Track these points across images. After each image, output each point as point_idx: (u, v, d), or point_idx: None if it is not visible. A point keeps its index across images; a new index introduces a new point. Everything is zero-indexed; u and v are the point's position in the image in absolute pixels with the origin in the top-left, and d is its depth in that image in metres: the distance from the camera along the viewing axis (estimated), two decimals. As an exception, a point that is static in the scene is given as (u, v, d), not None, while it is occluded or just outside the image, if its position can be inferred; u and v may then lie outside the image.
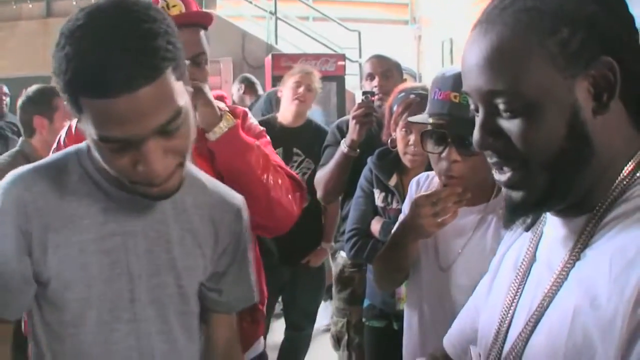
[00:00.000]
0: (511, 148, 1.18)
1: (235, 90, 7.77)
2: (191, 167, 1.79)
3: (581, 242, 1.17)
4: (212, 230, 1.79)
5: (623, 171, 1.17)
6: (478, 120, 1.23)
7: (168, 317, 1.72)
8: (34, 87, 3.92)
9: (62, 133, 2.41)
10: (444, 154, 2.18)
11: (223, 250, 1.81)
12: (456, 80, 2.13)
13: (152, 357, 1.71)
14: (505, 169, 1.23)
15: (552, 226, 1.29)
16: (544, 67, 1.13)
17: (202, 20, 2.38)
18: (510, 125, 1.17)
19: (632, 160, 1.17)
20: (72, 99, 1.43)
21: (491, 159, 1.25)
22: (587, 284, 1.11)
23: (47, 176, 1.64)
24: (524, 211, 1.25)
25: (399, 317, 2.82)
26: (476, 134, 1.23)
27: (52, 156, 1.76)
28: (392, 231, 2.45)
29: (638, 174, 1.16)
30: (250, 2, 11.90)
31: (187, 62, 1.60)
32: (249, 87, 7.67)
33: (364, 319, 3.67)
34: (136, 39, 1.36)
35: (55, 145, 2.40)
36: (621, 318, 1.03)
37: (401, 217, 2.53)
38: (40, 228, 1.59)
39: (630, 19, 1.19)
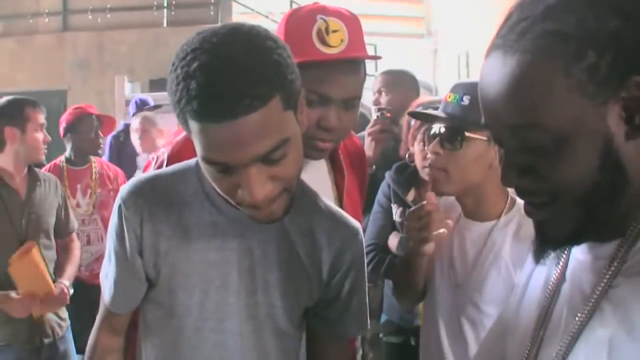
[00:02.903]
0: (541, 184, 1.13)
1: None
2: (309, 190, 1.81)
3: (613, 269, 1.11)
4: (327, 255, 1.76)
5: None
6: (502, 155, 1.18)
7: (263, 334, 1.74)
8: (3, 99, 3.92)
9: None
10: (429, 147, 2.25)
11: (337, 276, 1.78)
12: (456, 85, 2.25)
13: None
14: (535, 205, 1.18)
15: (580, 248, 1.22)
16: (573, 97, 1.05)
17: (362, 59, 2.08)
18: (539, 160, 1.11)
19: None
20: (181, 119, 1.45)
21: (519, 195, 1.20)
22: (623, 313, 1.06)
23: (164, 185, 1.73)
24: (556, 246, 1.20)
25: (417, 332, 2.80)
26: (502, 171, 1.18)
27: (174, 165, 1.80)
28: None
29: None
30: (267, 17, 11.91)
31: (304, 91, 1.56)
32: None
33: (381, 335, 3.66)
34: (243, 67, 1.36)
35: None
36: None
37: None
38: (152, 233, 1.70)
39: None
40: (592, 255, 1.19)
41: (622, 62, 1.03)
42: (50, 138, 3.98)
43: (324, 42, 1.95)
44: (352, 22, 2.03)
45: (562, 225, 1.15)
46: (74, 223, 4.26)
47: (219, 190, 1.55)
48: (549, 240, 1.19)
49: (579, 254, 1.23)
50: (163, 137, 6.50)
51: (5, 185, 3.75)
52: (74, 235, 4.25)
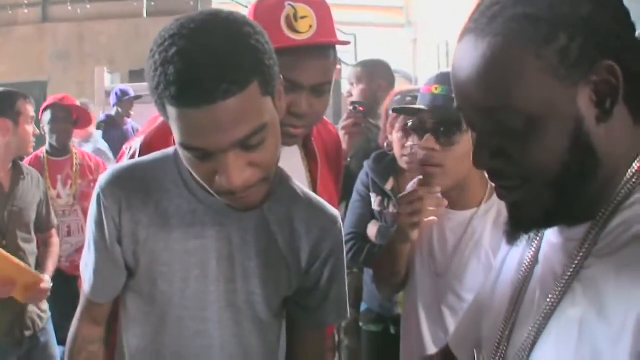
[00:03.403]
0: (512, 167, 1.14)
1: None
2: (287, 178, 1.81)
3: (584, 251, 1.12)
4: (305, 244, 1.76)
5: (627, 174, 1.11)
6: (474, 138, 1.19)
7: (242, 322, 1.74)
8: None
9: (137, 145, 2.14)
10: (422, 143, 2.19)
11: (316, 264, 1.78)
12: (439, 76, 2.20)
13: (222, 358, 1.75)
14: (507, 187, 1.19)
15: (552, 231, 1.24)
16: (544, 79, 1.06)
17: (332, 44, 2.07)
18: (510, 142, 1.12)
19: (636, 161, 1.12)
20: (159, 105, 1.45)
21: (491, 178, 1.22)
22: (593, 294, 1.08)
23: (142, 174, 1.72)
24: (528, 228, 1.21)
25: (397, 321, 2.81)
26: (474, 154, 1.19)
27: (153, 154, 1.79)
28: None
29: None
30: (246, 7, 11.89)
31: (281, 77, 1.55)
32: None
33: (360, 324, 3.66)
34: (221, 53, 1.36)
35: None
36: (630, 331, 0.99)
37: None
38: (130, 222, 1.69)
39: (626, 14, 1.12)
40: (564, 237, 1.20)
41: (592, 46, 1.06)
42: (38, 131, 3.99)
43: (292, 29, 1.95)
44: (321, 8, 2.03)
45: (534, 208, 1.16)
46: (54, 219, 4.25)
47: (197, 178, 1.55)
48: (521, 222, 1.20)
49: (552, 236, 1.24)
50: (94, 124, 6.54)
51: None
52: (54, 231, 4.24)
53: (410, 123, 2.27)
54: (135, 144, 2.03)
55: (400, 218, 2.21)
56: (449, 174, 2.18)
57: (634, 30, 1.13)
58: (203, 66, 1.34)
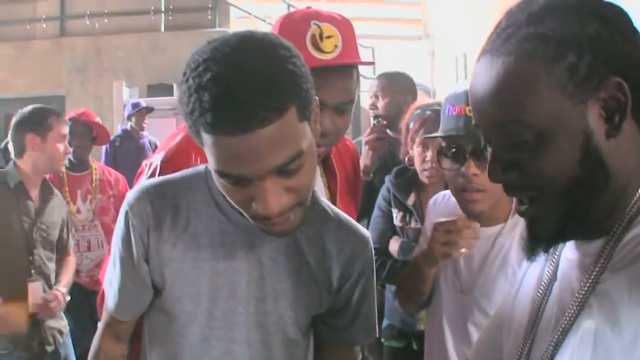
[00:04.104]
0: (525, 179, 1.18)
1: None
2: (319, 199, 1.79)
3: (600, 265, 1.15)
4: (336, 264, 1.74)
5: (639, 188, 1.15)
6: (489, 153, 1.23)
7: (272, 343, 1.72)
8: (29, 107, 3.97)
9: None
10: (462, 169, 2.13)
11: (347, 284, 1.76)
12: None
13: None
14: (523, 200, 1.22)
15: (570, 247, 1.27)
16: (554, 95, 1.12)
17: (356, 64, 2.09)
18: (523, 156, 1.17)
19: None
20: (193, 132, 1.42)
21: (506, 191, 1.25)
22: (608, 308, 1.10)
23: (172, 191, 1.69)
24: (546, 242, 1.23)
25: (419, 336, 2.78)
26: (489, 168, 1.23)
27: (183, 171, 1.76)
28: (414, 254, 2.40)
29: None
30: (264, 21, 11.92)
31: (317, 99, 1.52)
32: None
33: (382, 339, 3.64)
34: (258, 78, 1.32)
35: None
36: None
37: (422, 238, 2.50)
38: (159, 240, 1.67)
39: (634, 33, 1.17)
40: (580, 253, 1.23)
41: (601, 64, 1.11)
42: (70, 149, 4.02)
43: (317, 48, 1.95)
44: (345, 27, 2.03)
45: (549, 221, 1.20)
46: (72, 240, 4.31)
47: (231, 203, 1.53)
48: (538, 237, 1.23)
49: (569, 253, 1.27)
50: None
51: (24, 192, 3.80)
52: (71, 251, 4.27)
53: (443, 146, 2.21)
54: (155, 160, 2.01)
55: (432, 244, 2.15)
56: (490, 198, 2.13)
57: None
58: (239, 93, 1.31)
